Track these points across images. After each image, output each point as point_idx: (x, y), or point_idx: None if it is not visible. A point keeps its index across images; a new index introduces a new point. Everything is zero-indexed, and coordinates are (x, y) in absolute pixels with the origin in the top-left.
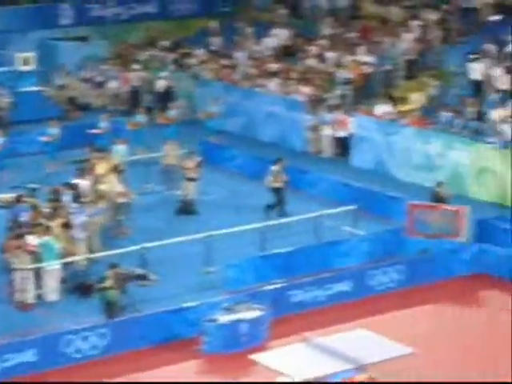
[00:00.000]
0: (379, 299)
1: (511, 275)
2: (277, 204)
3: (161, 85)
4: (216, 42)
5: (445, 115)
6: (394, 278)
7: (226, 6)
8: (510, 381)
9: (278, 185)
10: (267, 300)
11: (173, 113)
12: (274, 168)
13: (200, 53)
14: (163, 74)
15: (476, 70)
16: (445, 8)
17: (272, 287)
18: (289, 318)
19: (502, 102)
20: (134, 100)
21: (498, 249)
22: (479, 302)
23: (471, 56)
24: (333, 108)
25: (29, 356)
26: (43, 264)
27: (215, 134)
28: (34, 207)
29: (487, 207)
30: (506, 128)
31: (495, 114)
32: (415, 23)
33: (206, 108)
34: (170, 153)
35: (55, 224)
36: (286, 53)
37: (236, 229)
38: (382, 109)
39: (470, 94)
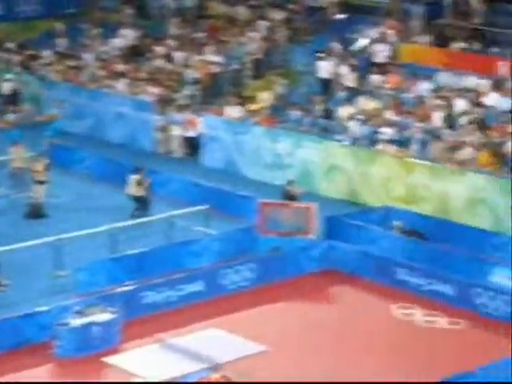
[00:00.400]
0: (232, 298)
1: (360, 271)
2: (141, 210)
3: (7, 87)
4: (62, 43)
5: (293, 114)
6: (247, 276)
7: (71, 7)
8: (361, 378)
9: (139, 193)
10: (119, 302)
11: (12, 116)
12: (134, 177)
13: (46, 54)
14: (9, 76)
15: (323, 68)
16: (291, 7)
17: (124, 289)
18: (142, 320)
19: (349, 100)
20: None
21: (346, 245)
22: (329, 298)
23: (318, 54)
24: (182, 108)
25: None
26: None
27: (59, 136)
28: None
29: (337, 204)
30: (353, 125)
31: (343, 112)
32: (262, 22)
33: (50, 110)
34: (17, 156)
35: None
36: (134, 53)
37: (86, 231)
38: (231, 108)
39: (318, 92)
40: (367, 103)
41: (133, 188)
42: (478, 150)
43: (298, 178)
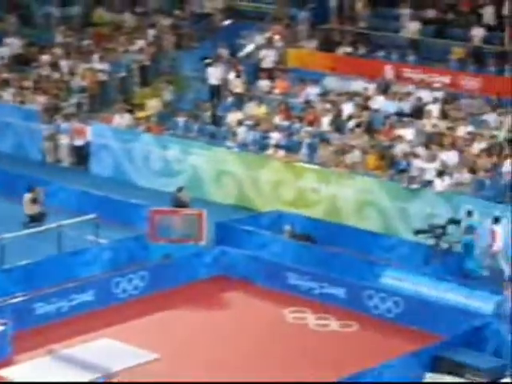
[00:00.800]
0: (124, 307)
1: (252, 276)
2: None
3: None
4: None
5: (181, 120)
6: (139, 284)
7: None
8: (258, 378)
9: (35, 211)
10: (9, 314)
11: None
12: (28, 195)
13: None
14: None
15: (212, 74)
16: (177, 14)
17: (14, 300)
18: (33, 331)
19: (238, 106)
20: None
21: (237, 251)
22: (222, 304)
23: (206, 61)
24: (69, 117)
25: None
26: None
27: None
28: None
29: (227, 210)
30: (242, 131)
31: (231, 118)
32: (148, 29)
33: None
34: None
35: None
36: (20, 62)
37: None
38: (119, 116)
39: (207, 99)
40: (256, 109)
41: (28, 207)
42: (366, 153)
43: (188, 185)
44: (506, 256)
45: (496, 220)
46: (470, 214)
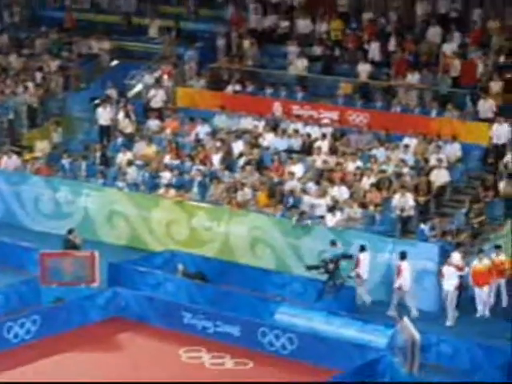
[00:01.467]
0: (17, 352)
1: (146, 317)
2: None
3: None
4: None
5: (70, 161)
6: (31, 328)
7: None
8: None
9: None
10: None
11: None
12: None
13: None
14: None
15: (101, 114)
16: (65, 55)
17: None
18: None
19: (128, 146)
20: None
21: (131, 292)
22: (116, 346)
23: (95, 101)
24: None
25: None
26: None
27: None
28: None
29: (120, 250)
30: (132, 171)
31: (121, 158)
32: (35, 71)
33: None
34: None
35: None
36: None
37: None
38: (7, 159)
39: (96, 139)
40: (146, 148)
41: None
42: (257, 190)
43: (80, 227)
44: (413, 295)
45: (402, 256)
46: (362, 248)
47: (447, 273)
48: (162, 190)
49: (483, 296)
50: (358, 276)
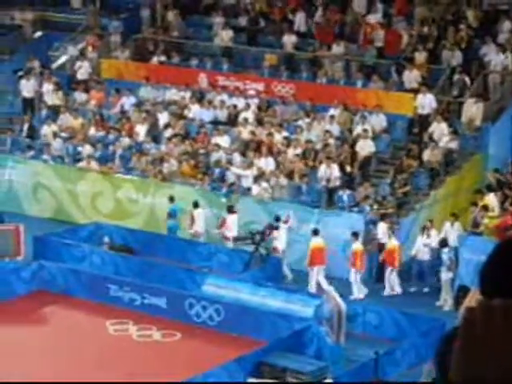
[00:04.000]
0: None
1: (72, 290)
2: None
3: None
4: None
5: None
6: None
7: None
8: None
9: None
10: None
11: None
12: None
13: None
14: None
15: (25, 87)
16: None
17: None
18: None
19: (53, 118)
20: None
21: (56, 264)
22: (41, 319)
23: (18, 73)
24: None
25: None
26: None
27: None
28: None
29: (45, 224)
30: (57, 143)
31: (46, 130)
32: None
33: None
34: None
35: None
36: None
37: None
38: None
39: (20, 112)
40: (71, 120)
41: None
42: (182, 161)
43: (4, 199)
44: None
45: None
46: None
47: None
48: (84, 163)
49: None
50: (197, 234)
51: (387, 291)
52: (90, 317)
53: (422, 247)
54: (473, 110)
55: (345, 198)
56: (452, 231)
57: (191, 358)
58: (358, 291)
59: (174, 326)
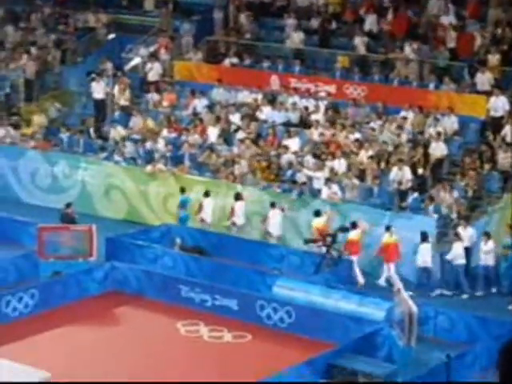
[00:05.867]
0: (15, 326)
1: (144, 290)
2: None
3: None
4: None
5: (68, 135)
6: (29, 302)
7: None
8: None
9: None
10: None
11: None
12: None
13: None
14: None
15: (97, 89)
16: (61, 28)
17: None
18: None
19: (124, 120)
20: None
21: (129, 265)
22: (114, 319)
23: (91, 75)
24: None
25: None
26: None
27: None
28: None
29: (117, 225)
30: (128, 145)
31: (117, 132)
32: (32, 44)
33: None
34: None
35: None
36: None
37: None
38: (4, 132)
39: (93, 113)
40: (143, 122)
41: None
42: (254, 163)
43: (77, 201)
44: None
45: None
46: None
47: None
48: (158, 164)
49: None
50: (203, 220)
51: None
52: (161, 317)
53: (483, 253)
54: None
55: (414, 199)
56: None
57: (262, 359)
58: None
59: (244, 327)
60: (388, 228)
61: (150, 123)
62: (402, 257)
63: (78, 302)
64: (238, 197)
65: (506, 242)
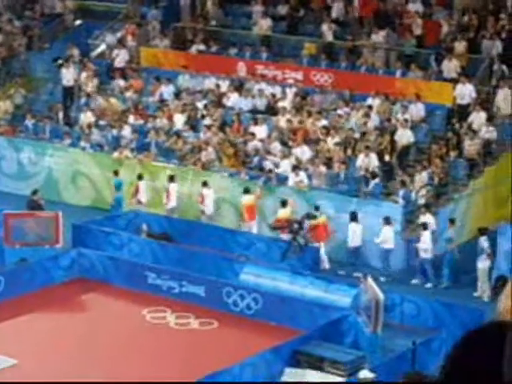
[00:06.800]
0: None
1: (110, 278)
2: None
3: None
4: None
5: (33, 122)
6: None
7: None
8: (119, 379)
9: None
10: None
11: None
12: None
13: None
14: None
15: (64, 75)
16: (28, 14)
17: None
18: None
19: (89, 106)
20: None
21: (95, 252)
22: (80, 306)
23: (59, 62)
24: None
25: None
26: None
27: None
28: None
29: (84, 211)
30: (95, 132)
31: (85, 118)
32: None
33: None
34: None
35: None
36: None
37: None
38: None
39: (60, 100)
40: (104, 102)
41: None
42: (220, 150)
43: (44, 187)
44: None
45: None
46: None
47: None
48: (125, 151)
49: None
50: (139, 202)
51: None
52: (127, 304)
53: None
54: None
55: (374, 185)
56: None
57: (228, 346)
58: None
59: (211, 314)
60: (317, 208)
61: (115, 102)
62: (367, 242)
63: (44, 288)
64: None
65: (447, 236)
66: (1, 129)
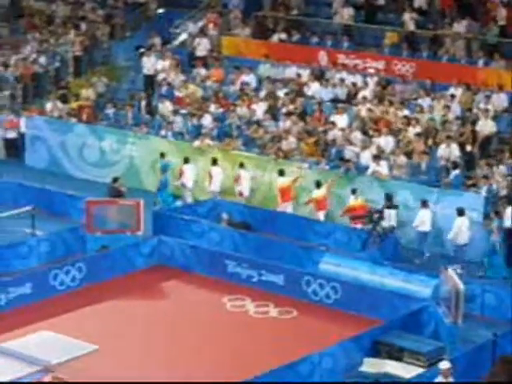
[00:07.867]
0: (62, 299)
1: (190, 265)
2: None
3: None
4: None
5: (114, 111)
6: (76, 276)
7: None
8: (200, 372)
9: None
10: None
11: None
12: None
13: None
14: None
15: (146, 64)
16: (110, 3)
17: None
18: None
19: (172, 95)
20: None
21: (176, 240)
22: (161, 293)
23: (140, 50)
24: (1, 109)
25: None
26: None
27: None
28: None
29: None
30: (176, 119)
31: (165, 107)
32: (81, 19)
33: None
34: None
35: None
36: None
37: None
38: (53, 107)
39: (141, 88)
40: (184, 90)
41: None
42: (301, 139)
43: (125, 175)
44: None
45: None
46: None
47: None
48: (206, 139)
49: None
50: (183, 185)
51: None
52: (207, 292)
53: None
54: None
55: (456, 176)
56: None
57: (307, 335)
58: None
59: (290, 303)
60: (354, 191)
61: (195, 89)
62: (445, 232)
63: (125, 276)
64: (214, 162)
65: None
66: (84, 116)
